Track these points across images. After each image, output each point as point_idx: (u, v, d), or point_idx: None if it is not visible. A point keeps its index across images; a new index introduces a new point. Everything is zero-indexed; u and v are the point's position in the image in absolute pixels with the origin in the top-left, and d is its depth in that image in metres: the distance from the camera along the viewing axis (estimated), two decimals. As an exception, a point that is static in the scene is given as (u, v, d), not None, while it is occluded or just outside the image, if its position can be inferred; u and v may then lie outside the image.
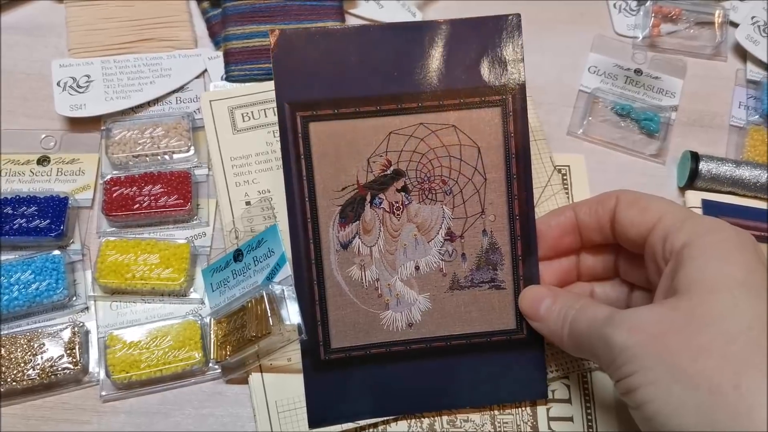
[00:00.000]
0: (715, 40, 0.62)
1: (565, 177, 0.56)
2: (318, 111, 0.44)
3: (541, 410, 0.47)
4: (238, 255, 0.47)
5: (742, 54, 0.62)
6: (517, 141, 0.45)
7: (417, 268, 0.46)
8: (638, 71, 0.60)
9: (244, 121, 0.54)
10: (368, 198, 0.45)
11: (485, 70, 0.45)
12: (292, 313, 0.44)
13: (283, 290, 0.45)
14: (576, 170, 0.56)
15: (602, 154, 0.58)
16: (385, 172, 0.45)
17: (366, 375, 0.45)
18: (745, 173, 0.54)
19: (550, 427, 0.47)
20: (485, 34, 0.45)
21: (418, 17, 0.62)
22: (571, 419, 0.47)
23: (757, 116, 0.59)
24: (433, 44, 0.45)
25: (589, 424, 0.47)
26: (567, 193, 0.55)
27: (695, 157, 0.54)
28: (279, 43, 0.44)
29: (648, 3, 0.63)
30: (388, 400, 0.45)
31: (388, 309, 0.45)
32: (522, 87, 0.45)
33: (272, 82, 0.46)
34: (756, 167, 0.54)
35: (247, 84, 0.56)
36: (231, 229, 0.49)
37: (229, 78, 0.57)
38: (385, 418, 0.46)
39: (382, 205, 0.45)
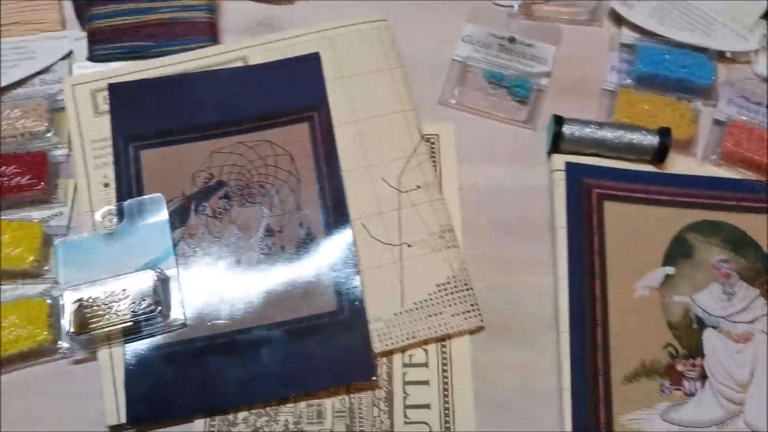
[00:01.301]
0: (590, 6, 0.62)
1: (433, 145, 0.56)
2: (149, 141, 0.52)
3: (397, 374, 0.47)
4: None
5: (618, 19, 0.62)
6: (324, 147, 0.52)
7: (238, 262, 0.49)
8: (512, 39, 0.60)
9: (105, 103, 0.54)
10: (193, 207, 0.50)
11: (294, 96, 0.54)
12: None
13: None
14: (445, 139, 0.56)
15: (475, 122, 0.58)
16: (209, 184, 0.50)
17: (191, 369, 0.46)
18: (608, 134, 0.54)
19: (405, 392, 0.47)
20: (292, 70, 0.54)
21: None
22: (427, 383, 0.47)
23: (629, 80, 0.59)
24: (247, 82, 0.54)
25: (445, 387, 0.47)
26: (435, 163, 0.55)
27: (559, 121, 0.54)
28: (111, 92, 0.53)
29: (525, -28, 0.63)
30: (216, 393, 0.45)
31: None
32: (326, 105, 0.53)
33: (136, 63, 0.55)
34: (618, 128, 0.54)
35: (111, 65, 0.56)
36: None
37: (92, 58, 0.56)
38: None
39: (205, 212, 0.50)
